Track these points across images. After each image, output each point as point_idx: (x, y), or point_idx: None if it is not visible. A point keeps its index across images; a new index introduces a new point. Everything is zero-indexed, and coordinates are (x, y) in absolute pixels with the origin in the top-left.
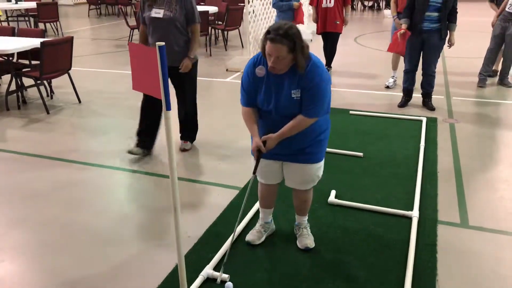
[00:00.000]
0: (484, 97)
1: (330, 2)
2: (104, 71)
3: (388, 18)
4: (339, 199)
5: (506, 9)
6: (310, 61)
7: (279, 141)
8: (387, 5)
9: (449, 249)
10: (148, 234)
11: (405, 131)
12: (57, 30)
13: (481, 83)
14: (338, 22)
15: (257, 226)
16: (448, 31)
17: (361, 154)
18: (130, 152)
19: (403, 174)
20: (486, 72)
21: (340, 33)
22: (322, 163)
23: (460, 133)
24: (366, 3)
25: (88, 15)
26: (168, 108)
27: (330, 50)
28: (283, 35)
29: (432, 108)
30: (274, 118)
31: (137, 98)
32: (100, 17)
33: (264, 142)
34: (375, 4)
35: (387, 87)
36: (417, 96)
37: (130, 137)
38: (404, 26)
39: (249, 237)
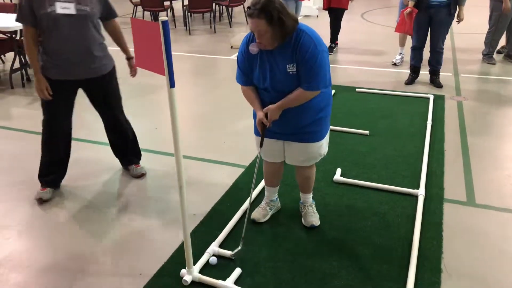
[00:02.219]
0: (493, 74)
1: None
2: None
3: None
4: (344, 177)
5: None
6: (302, 32)
7: (280, 111)
8: None
9: (455, 227)
10: (154, 211)
11: (412, 108)
12: None
13: (491, 60)
14: None
15: (262, 203)
16: (457, 6)
17: (367, 132)
18: (40, 199)
19: (409, 152)
20: (492, 52)
21: (346, 9)
22: (324, 141)
23: (468, 111)
24: None
25: None
26: (172, 85)
27: (334, 26)
28: (260, 9)
29: (439, 86)
30: (272, 95)
31: (141, 75)
32: None
33: (267, 116)
34: None
35: (394, 64)
36: (424, 73)
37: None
38: (410, 3)
39: (254, 214)
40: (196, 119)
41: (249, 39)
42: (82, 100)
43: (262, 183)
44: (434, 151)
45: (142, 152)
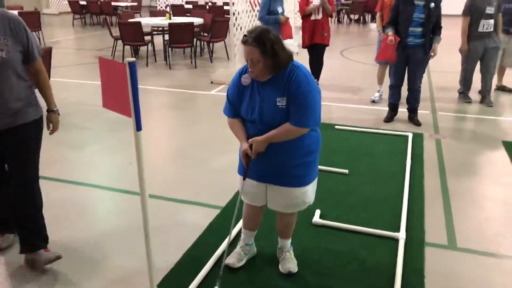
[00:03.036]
0: (469, 113)
1: (318, 14)
2: (85, 82)
3: (374, 32)
4: (323, 219)
5: (480, 30)
6: (296, 68)
7: (266, 143)
8: (373, 19)
9: (437, 273)
10: (123, 257)
11: (391, 147)
12: (39, 39)
13: (467, 99)
14: (326, 34)
15: (238, 248)
16: (433, 44)
17: (346, 171)
18: None
19: (389, 193)
20: (467, 90)
21: (328, 45)
22: (310, 187)
23: (446, 150)
24: (352, 16)
25: (73, 25)
26: (139, 128)
27: (317, 63)
28: (255, 37)
29: (418, 124)
30: (258, 128)
31: None
32: (85, 26)
33: (252, 147)
34: (361, 18)
35: (373, 101)
36: (403, 110)
37: (112, 152)
38: (391, 32)
39: (228, 260)
40: (173, 154)
41: (243, 71)
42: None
43: (238, 225)
44: (414, 191)
45: (113, 192)
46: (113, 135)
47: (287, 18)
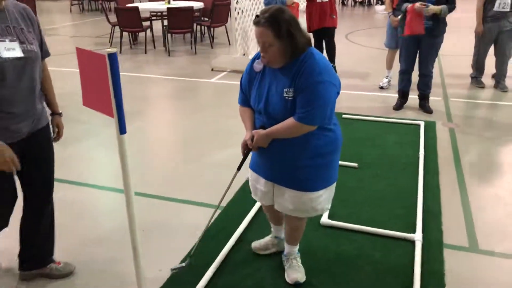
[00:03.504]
0: (483, 99)
1: None
2: None
3: (380, 14)
4: (332, 219)
5: (496, 9)
6: (310, 56)
7: (268, 138)
8: (378, 1)
9: (458, 277)
10: (115, 264)
11: (402, 137)
12: None
13: (480, 84)
14: (334, 16)
15: (268, 237)
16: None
17: (355, 164)
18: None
19: (402, 187)
20: (480, 75)
21: (336, 27)
22: (322, 194)
23: (461, 140)
24: None
25: (70, 11)
26: (123, 131)
27: (329, 46)
28: (268, 17)
29: (429, 111)
30: (263, 120)
31: None
32: (83, 12)
33: (253, 138)
34: (366, 0)
35: (381, 87)
36: (413, 97)
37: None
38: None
39: (254, 244)
40: (171, 148)
41: (257, 56)
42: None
43: (243, 225)
44: (429, 186)
45: (107, 192)
46: (108, 130)
47: (295, 2)
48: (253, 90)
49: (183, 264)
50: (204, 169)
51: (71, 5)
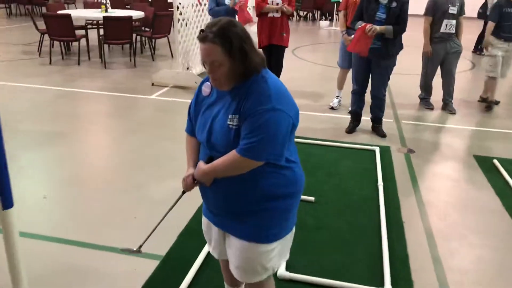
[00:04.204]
0: (435, 121)
1: (278, 12)
2: (4, 84)
3: (324, 29)
4: (291, 270)
5: (442, 30)
6: (262, 78)
7: (208, 176)
8: (322, 16)
9: None
10: None
11: (358, 164)
12: None
13: (429, 105)
14: (284, 34)
15: None
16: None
17: (312, 198)
18: None
19: (364, 226)
20: (429, 96)
21: (287, 46)
22: (275, 246)
23: (418, 167)
24: (301, 13)
25: None
26: (8, 205)
27: (276, 66)
28: (217, 32)
29: (383, 135)
30: (206, 153)
31: (36, 121)
32: (10, 17)
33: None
34: (310, 15)
35: (332, 108)
36: (366, 119)
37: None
38: (362, 24)
39: None
40: (100, 178)
41: (207, 79)
42: None
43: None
44: (392, 224)
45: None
46: (28, 154)
47: (241, 1)
48: (199, 117)
49: (134, 249)
50: (138, 206)
51: None
